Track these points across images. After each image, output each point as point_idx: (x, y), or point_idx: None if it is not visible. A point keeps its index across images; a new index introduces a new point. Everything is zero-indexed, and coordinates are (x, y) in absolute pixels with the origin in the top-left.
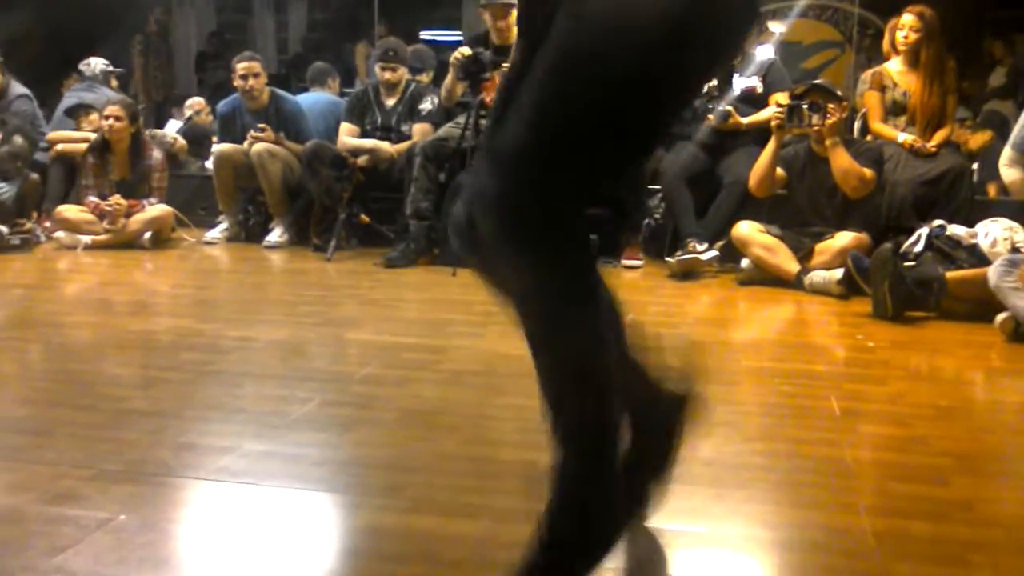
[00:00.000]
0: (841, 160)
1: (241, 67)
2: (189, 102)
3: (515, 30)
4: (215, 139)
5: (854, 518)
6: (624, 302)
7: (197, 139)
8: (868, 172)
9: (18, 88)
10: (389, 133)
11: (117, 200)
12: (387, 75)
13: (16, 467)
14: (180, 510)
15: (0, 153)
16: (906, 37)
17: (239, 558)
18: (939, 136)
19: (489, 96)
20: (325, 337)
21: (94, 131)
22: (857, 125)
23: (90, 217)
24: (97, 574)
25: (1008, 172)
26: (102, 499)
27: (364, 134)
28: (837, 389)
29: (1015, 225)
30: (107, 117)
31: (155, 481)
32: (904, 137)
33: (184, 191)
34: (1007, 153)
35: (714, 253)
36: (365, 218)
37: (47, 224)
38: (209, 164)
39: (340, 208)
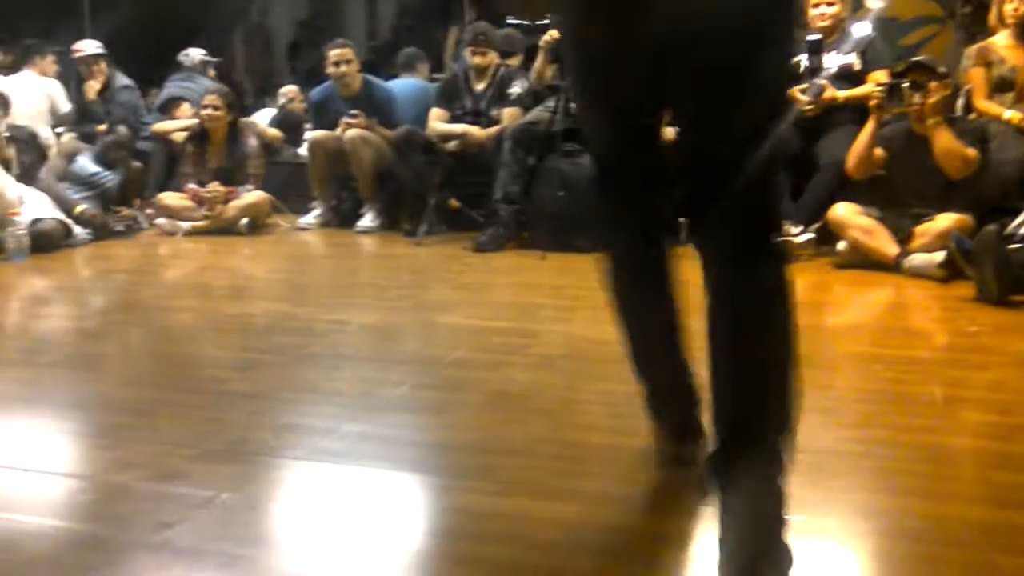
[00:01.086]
0: (944, 140)
1: (334, 54)
2: (283, 90)
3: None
4: (308, 126)
5: (956, 507)
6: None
7: (291, 126)
8: (972, 152)
9: (122, 79)
10: (479, 118)
11: (215, 187)
12: (477, 59)
13: (123, 445)
14: (281, 489)
15: (105, 142)
16: (1015, 9)
17: (336, 536)
18: None
19: None
20: (416, 321)
21: (194, 119)
22: (960, 103)
23: (189, 204)
24: (201, 550)
25: None
26: (205, 477)
27: (454, 119)
28: (939, 375)
29: None
30: (206, 107)
31: (256, 460)
32: (1011, 114)
33: (279, 177)
34: None
35: (809, 235)
36: (455, 203)
37: (149, 211)
38: (303, 151)
39: (430, 193)
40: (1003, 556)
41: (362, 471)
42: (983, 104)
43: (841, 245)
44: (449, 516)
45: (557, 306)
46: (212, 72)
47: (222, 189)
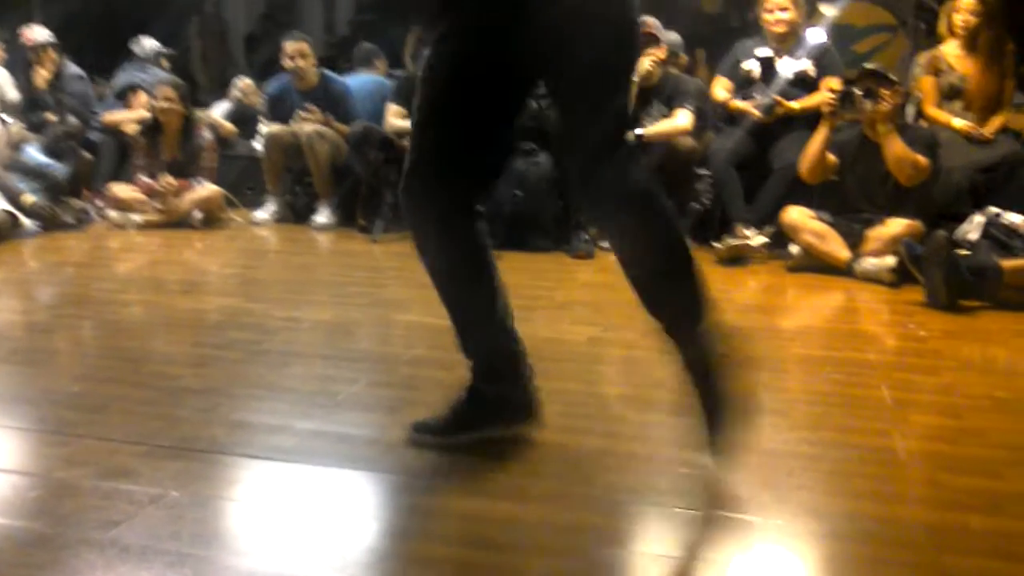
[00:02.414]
0: (895, 147)
1: (291, 48)
2: (237, 83)
3: None
4: (263, 119)
5: (905, 509)
6: None
7: (245, 120)
8: (922, 159)
9: (72, 68)
10: None
11: (167, 180)
12: None
13: (71, 441)
14: (232, 487)
15: (55, 132)
16: (965, 20)
17: (287, 535)
18: (996, 122)
19: None
20: (372, 318)
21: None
22: (911, 110)
23: (141, 196)
24: (151, 548)
25: None
26: (155, 475)
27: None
28: (888, 378)
29: None
30: (159, 98)
31: (207, 458)
32: (960, 123)
33: (233, 171)
34: None
35: (763, 239)
36: None
37: (99, 203)
38: (257, 144)
39: (387, 190)
40: (952, 557)
41: (315, 469)
42: (933, 111)
43: (794, 249)
44: (404, 515)
45: (514, 305)
46: (166, 63)
47: (175, 182)
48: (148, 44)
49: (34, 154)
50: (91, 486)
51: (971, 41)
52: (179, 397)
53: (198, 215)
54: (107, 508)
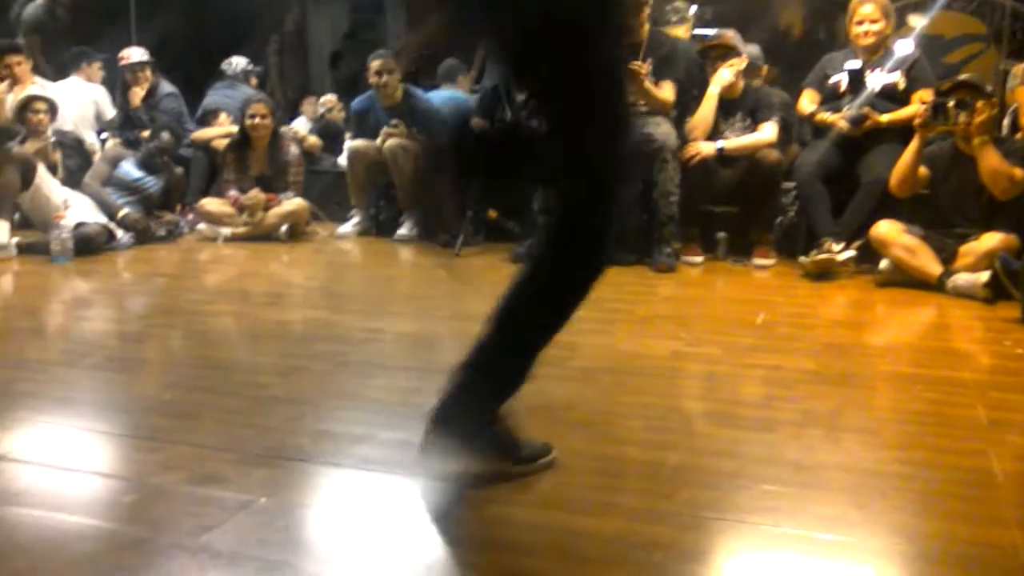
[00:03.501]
0: (990, 159)
1: (376, 65)
2: (323, 99)
3: (646, 27)
4: (348, 135)
5: (1004, 532)
6: (751, 302)
7: (330, 135)
8: (1019, 172)
9: (166, 87)
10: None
11: (256, 194)
12: None
13: (164, 448)
14: (318, 495)
15: (148, 148)
16: None
17: (372, 544)
18: None
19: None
20: (453, 331)
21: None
22: (1007, 122)
23: (230, 210)
24: (240, 554)
25: None
26: (245, 481)
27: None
28: (983, 397)
29: None
30: (251, 115)
31: (294, 466)
32: None
33: (318, 186)
34: None
35: (850, 253)
36: (493, 213)
37: (190, 216)
38: (342, 160)
39: (468, 204)
40: None
41: (399, 479)
42: None
43: (883, 263)
44: (486, 527)
45: (596, 318)
46: (254, 81)
47: (262, 196)
48: (237, 63)
49: (129, 169)
50: (183, 491)
51: None
52: (267, 406)
53: (285, 228)
54: (199, 513)
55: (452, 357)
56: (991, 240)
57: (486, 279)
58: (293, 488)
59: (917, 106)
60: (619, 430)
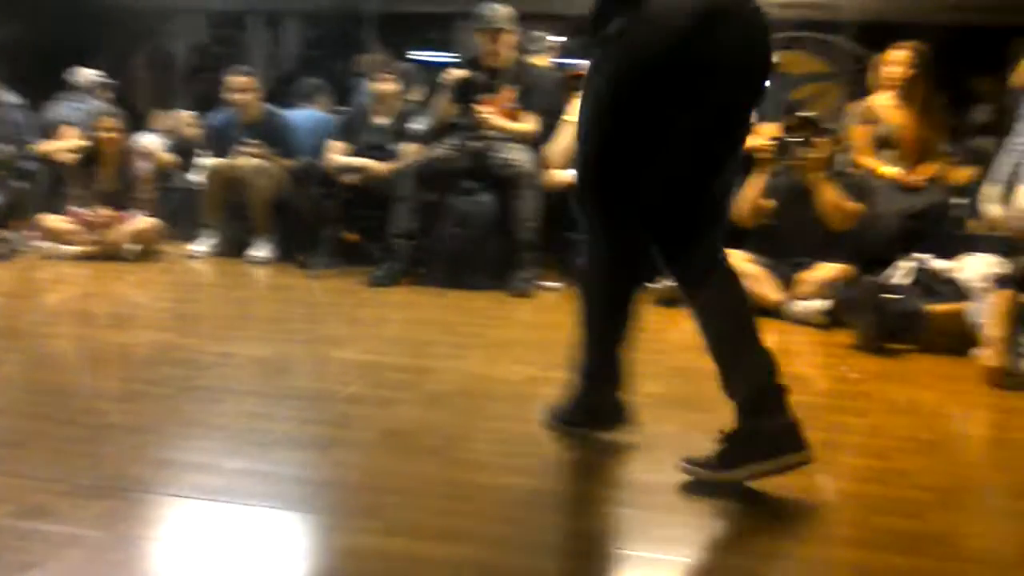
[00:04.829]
0: (827, 193)
1: (236, 81)
2: (176, 114)
3: (507, 54)
4: (204, 152)
5: (833, 550)
6: None
7: (184, 152)
8: (853, 205)
9: (9, 97)
10: (379, 152)
11: (101, 211)
12: (382, 85)
13: None
14: (155, 527)
15: None
16: (897, 72)
17: None
18: (926, 170)
19: (483, 111)
20: (308, 355)
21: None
22: (844, 158)
23: (73, 227)
24: None
25: (990, 208)
26: (76, 514)
27: (355, 153)
28: (818, 420)
29: (997, 259)
30: (101, 129)
31: (131, 497)
32: (889, 169)
33: (170, 204)
34: (991, 189)
35: None
36: (352, 236)
37: (30, 233)
38: (195, 177)
39: (326, 225)
40: None
41: (242, 509)
42: (864, 160)
43: None
44: (331, 557)
45: (451, 343)
46: (108, 94)
47: (109, 213)
48: (86, 74)
49: None
50: (7, 525)
51: (903, 92)
52: (105, 434)
53: (133, 247)
54: (23, 549)
55: (304, 382)
56: (828, 270)
57: (342, 302)
58: (129, 520)
59: (763, 140)
60: (470, 454)
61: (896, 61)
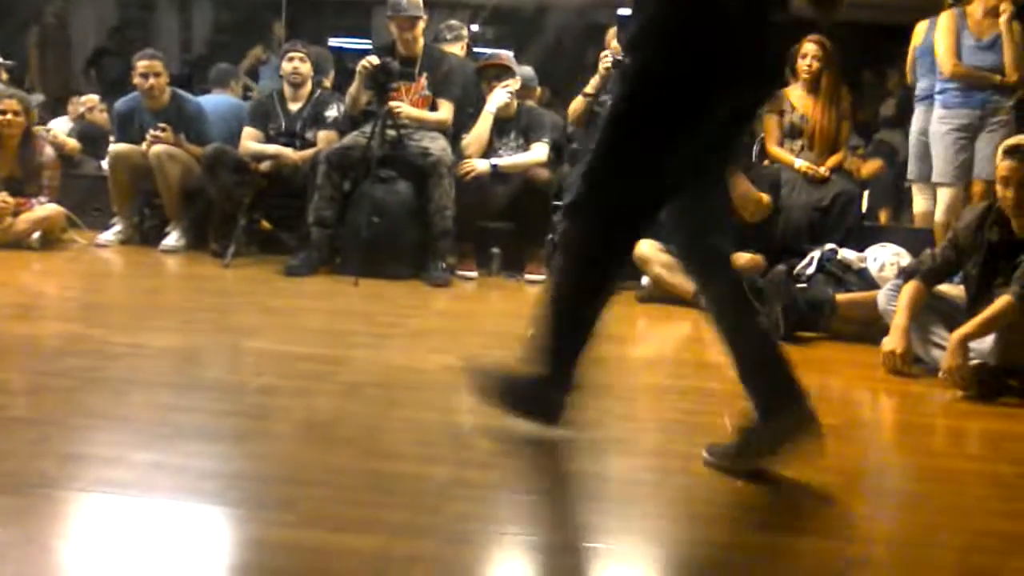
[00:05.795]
0: (740, 185)
1: (142, 65)
2: (82, 99)
3: (421, 42)
4: (111, 138)
5: (744, 535)
6: (524, 316)
7: (92, 138)
8: (765, 197)
9: None
10: (293, 139)
11: (4, 198)
12: (296, 64)
13: None
14: (61, 523)
15: None
16: (808, 64)
17: (122, 573)
18: (832, 160)
19: (395, 105)
20: (220, 345)
21: None
22: (755, 150)
23: None
24: None
25: (920, 201)
26: None
27: (268, 139)
28: (730, 406)
29: (902, 251)
30: (2, 112)
31: (36, 493)
32: (800, 163)
33: (77, 191)
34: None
35: None
36: (266, 224)
37: None
38: (104, 164)
39: (240, 213)
40: None
41: (152, 502)
42: (775, 150)
43: (645, 280)
44: (244, 550)
45: (368, 332)
46: (4, 75)
47: (12, 200)
48: None
49: None
50: None
51: (813, 84)
52: (6, 428)
53: (37, 236)
54: None
55: (216, 372)
56: (740, 260)
57: (257, 291)
58: (33, 517)
59: None
60: (387, 445)
61: (809, 53)
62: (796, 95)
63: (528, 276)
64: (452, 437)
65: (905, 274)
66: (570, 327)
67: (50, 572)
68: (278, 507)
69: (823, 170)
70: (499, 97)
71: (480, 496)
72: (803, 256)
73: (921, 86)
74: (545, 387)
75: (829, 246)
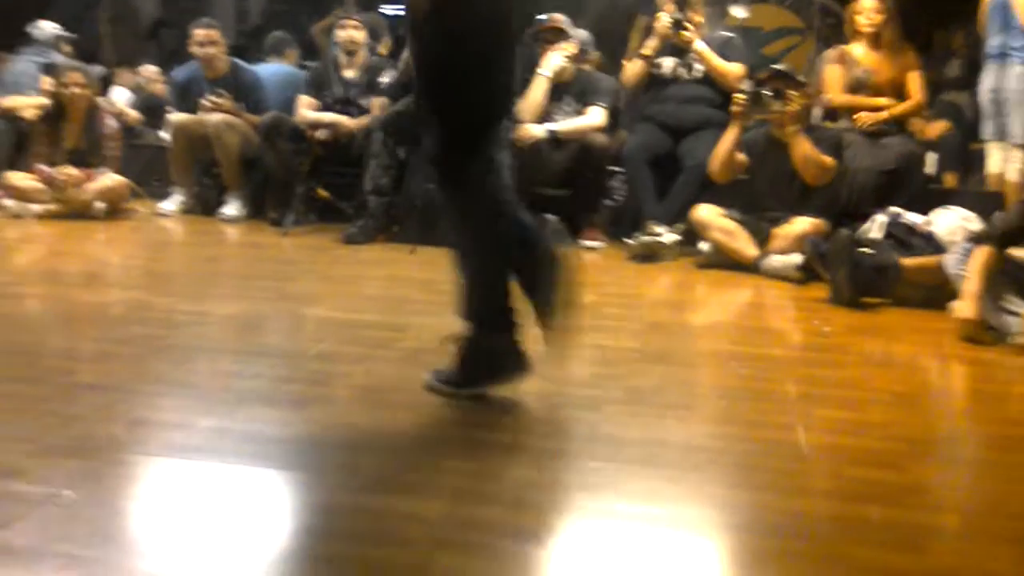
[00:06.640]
0: (801, 147)
1: (200, 34)
2: (142, 70)
3: None
4: (170, 108)
5: (809, 501)
6: (584, 283)
7: (151, 108)
8: (828, 159)
9: None
10: (349, 107)
11: (68, 170)
12: (350, 32)
13: None
14: (129, 486)
15: None
16: (869, 19)
17: (190, 536)
18: (903, 107)
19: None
20: (280, 312)
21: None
22: (818, 112)
23: (40, 186)
24: (40, 550)
25: (995, 160)
26: (47, 474)
27: (324, 108)
28: (793, 373)
29: (970, 215)
30: (67, 84)
31: (104, 457)
32: (861, 114)
33: (137, 161)
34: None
35: (675, 236)
36: (323, 193)
37: None
38: (163, 134)
39: (298, 182)
40: (856, 549)
41: (218, 467)
42: (838, 97)
43: (704, 246)
44: (309, 514)
45: (426, 300)
46: (67, 48)
47: (75, 172)
48: (47, 28)
49: None
50: None
51: (875, 39)
52: (75, 394)
53: (101, 206)
54: None
55: (277, 339)
56: (802, 224)
57: (315, 260)
58: (102, 480)
59: (736, 95)
60: (445, 411)
61: (868, 8)
62: (859, 52)
63: (585, 242)
64: (512, 403)
65: (976, 238)
66: (484, 277)
67: (120, 533)
68: (341, 471)
69: (885, 114)
70: (554, 61)
71: (542, 462)
72: (867, 220)
73: (993, 43)
74: (489, 342)
75: (894, 209)
